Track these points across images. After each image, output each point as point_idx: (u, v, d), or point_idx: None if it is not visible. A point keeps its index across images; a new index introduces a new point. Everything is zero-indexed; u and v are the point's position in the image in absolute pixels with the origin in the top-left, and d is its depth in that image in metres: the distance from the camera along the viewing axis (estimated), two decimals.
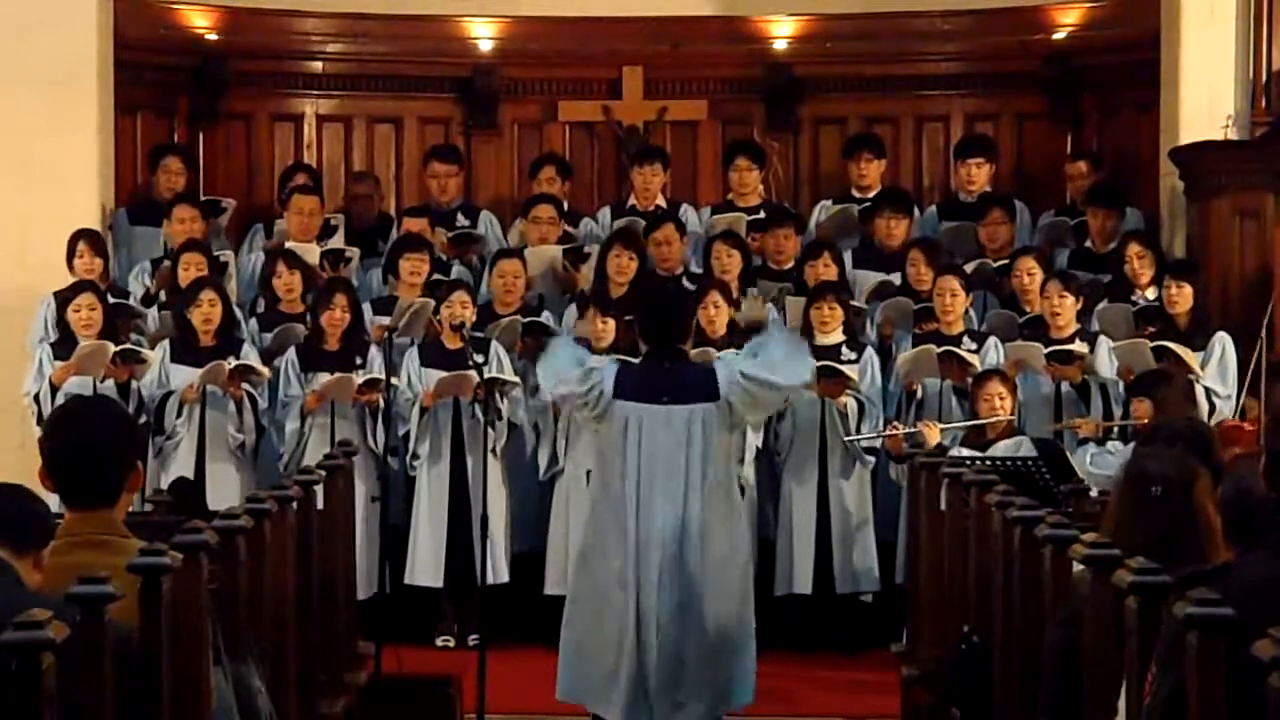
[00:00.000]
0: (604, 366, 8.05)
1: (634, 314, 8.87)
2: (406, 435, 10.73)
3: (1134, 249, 11.05)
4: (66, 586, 4.39)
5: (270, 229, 12.15)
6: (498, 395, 10.55)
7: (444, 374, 10.66)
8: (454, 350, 10.61)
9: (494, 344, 10.80)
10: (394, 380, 10.42)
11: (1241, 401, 10.24)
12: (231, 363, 10.55)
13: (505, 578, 10.68)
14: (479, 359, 10.41)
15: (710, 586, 7.82)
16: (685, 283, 11.22)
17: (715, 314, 10.64)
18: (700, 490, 7.83)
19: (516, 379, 10.68)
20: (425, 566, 10.72)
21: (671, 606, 7.77)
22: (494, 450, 10.51)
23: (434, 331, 10.93)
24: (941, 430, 10.13)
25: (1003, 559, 6.66)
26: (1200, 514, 5.23)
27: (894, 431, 10.35)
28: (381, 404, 10.55)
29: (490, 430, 10.37)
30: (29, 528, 4.55)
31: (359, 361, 10.75)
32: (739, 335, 10.75)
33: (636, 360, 8.41)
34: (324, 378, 10.65)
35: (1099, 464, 9.80)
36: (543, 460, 10.69)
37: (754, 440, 10.44)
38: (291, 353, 10.79)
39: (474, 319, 10.81)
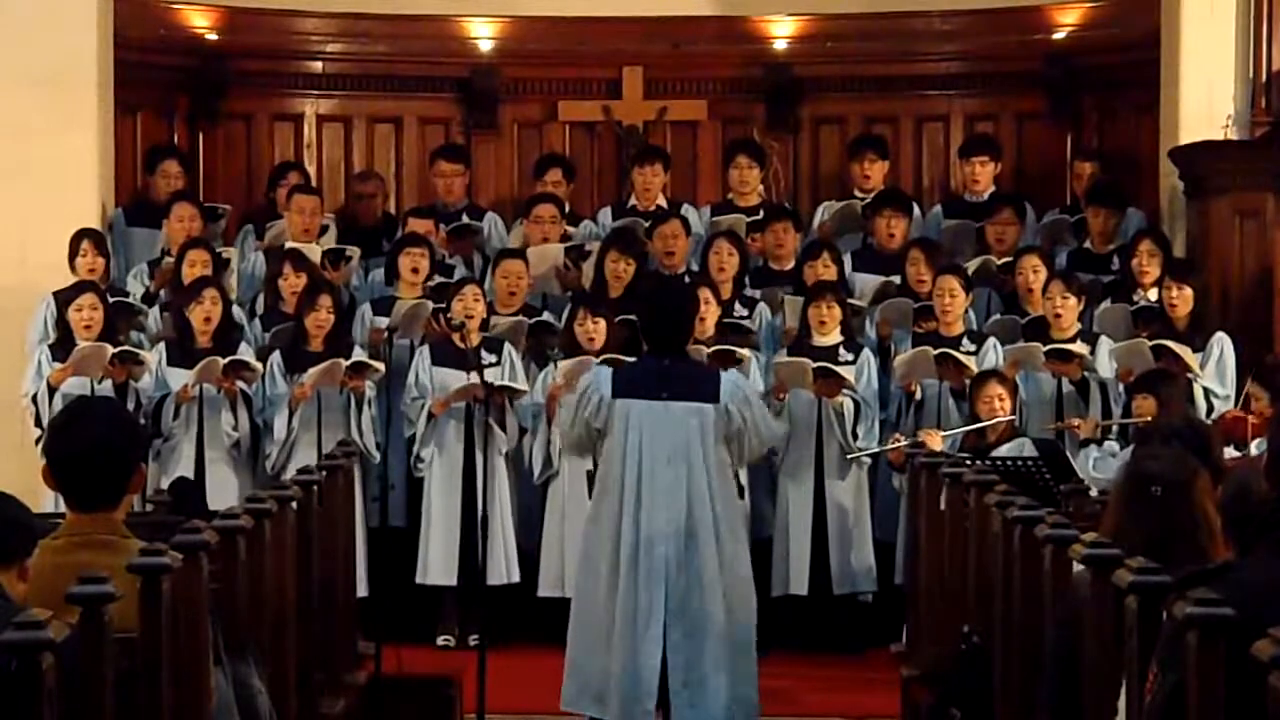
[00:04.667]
0: (595, 378, 8.08)
1: (636, 312, 8.88)
2: (412, 438, 10.73)
3: (1145, 246, 11.03)
4: (67, 586, 4.40)
5: (260, 229, 12.14)
6: (508, 402, 10.55)
7: (454, 371, 10.63)
8: (465, 349, 10.54)
9: (507, 346, 10.78)
10: (377, 364, 10.40)
11: (1245, 390, 10.22)
12: (225, 358, 10.54)
13: (516, 577, 10.68)
14: (492, 359, 10.43)
15: (714, 587, 7.83)
16: (687, 279, 11.21)
17: (704, 311, 10.62)
18: (702, 487, 7.85)
19: (525, 386, 10.67)
20: (438, 566, 10.70)
21: (674, 606, 7.78)
22: (502, 452, 10.57)
23: (434, 331, 10.91)
24: (943, 437, 10.11)
25: (1003, 559, 6.66)
26: (1200, 514, 5.24)
27: (896, 444, 10.31)
28: (370, 392, 10.55)
29: (502, 432, 10.43)
30: (12, 537, 4.54)
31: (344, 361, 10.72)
32: (728, 335, 10.79)
33: (632, 360, 8.43)
34: None
35: (1101, 468, 9.80)
36: (537, 463, 10.68)
37: None
38: (277, 354, 10.78)
39: (484, 314, 10.80)
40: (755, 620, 8.01)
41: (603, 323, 10.58)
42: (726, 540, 7.92)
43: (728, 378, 8.18)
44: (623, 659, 7.82)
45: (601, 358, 10.12)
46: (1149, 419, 9.40)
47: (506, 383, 10.56)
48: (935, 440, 10.00)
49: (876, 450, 10.60)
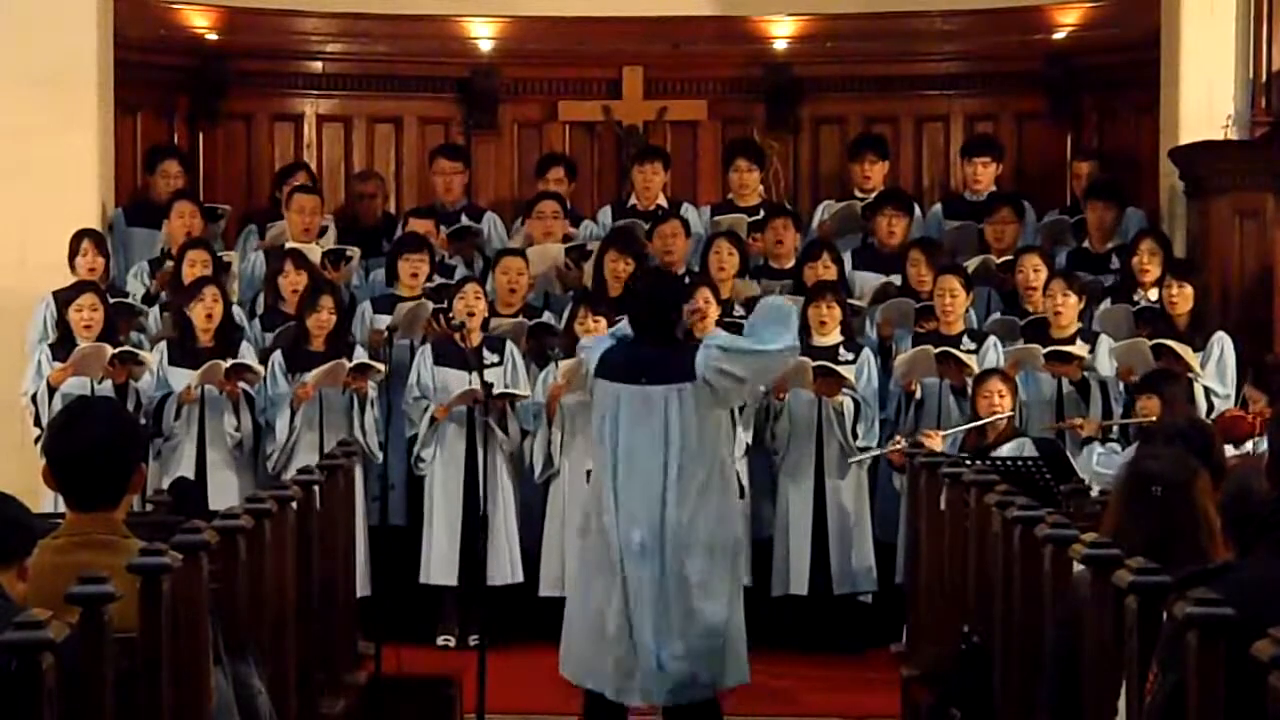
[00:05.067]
0: (592, 347, 8.13)
1: (627, 303, 8.88)
2: (413, 438, 10.74)
3: (1146, 245, 11.05)
4: (67, 586, 4.40)
5: (263, 230, 12.14)
6: (509, 406, 10.56)
7: (456, 371, 10.62)
8: (465, 348, 10.51)
9: (509, 345, 10.78)
10: (379, 365, 10.41)
11: (1243, 392, 10.24)
12: (228, 361, 10.54)
13: (520, 577, 10.69)
14: (494, 358, 10.42)
15: (693, 565, 7.84)
16: (687, 279, 11.19)
17: (705, 310, 10.60)
18: (680, 469, 7.85)
19: (526, 391, 10.67)
20: (441, 565, 10.70)
21: (652, 588, 7.80)
22: (504, 451, 10.59)
23: (434, 332, 10.91)
24: (943, 437, 10.11)
25: (1003, 559, 6.66)
26: (1200, 514, 5.23)
27: (897, 446, 10.30)
28: (372, 393, 10.54)
29: (504, 434, 10.49)
30: (11, 537, 4.53)
31: (347, 362, 10.71)
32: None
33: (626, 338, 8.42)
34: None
35: (1105, 464, 9.78)
36: (537, 463, 10.68)
37: (744, 437, 10.46)
38: (279, 354, 10.77)
39: (486, 313, 10.80)
40: (740, 601, 8.02)
41: (604, 321, 10.56)
42: (709, 521, 7.91)
43: (703, 347, 8.06)
44: (618, 645, 7.84)
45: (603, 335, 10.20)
46: (1153, 419, 9.41)
47: (506, 389, 10.56)
48: (935, 441, 10.00)
49: (876, 453, 10.60)
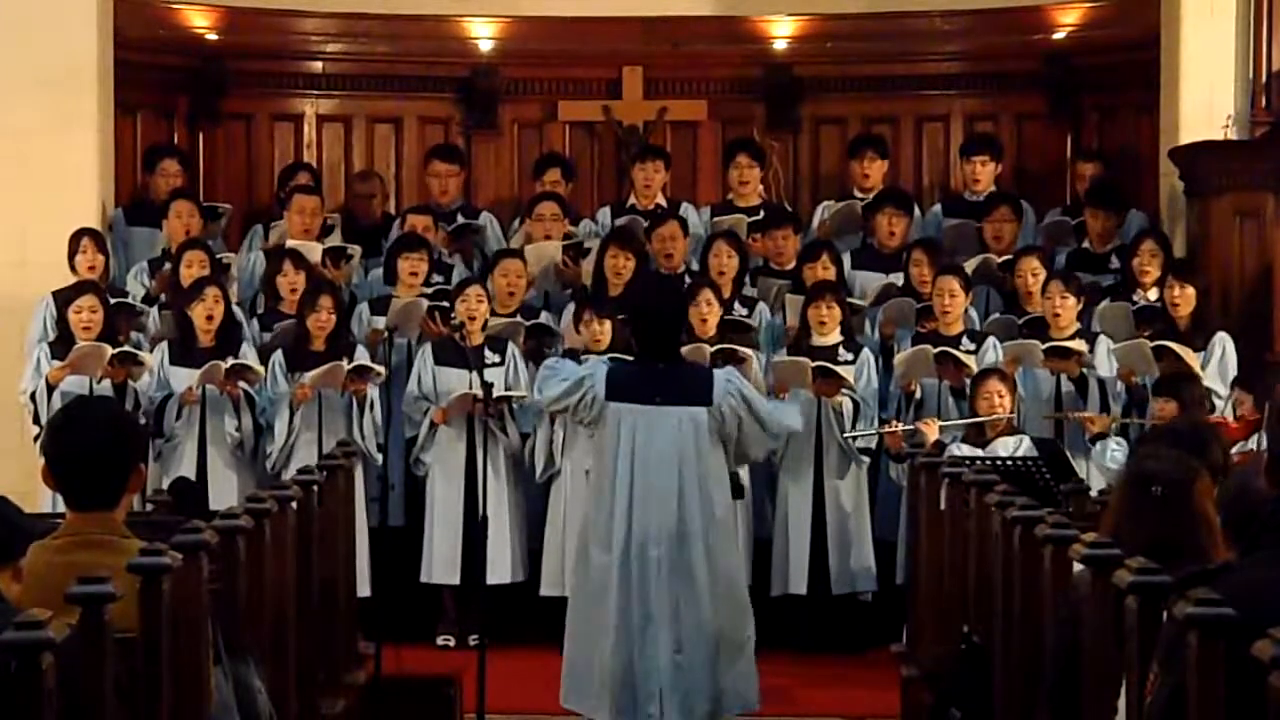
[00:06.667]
0: (595, 372, 8.02)
1: (627, 316, 8.83)
2: (413, 439, 10.73)
3: (1147, 246, 11.06)
4: (66, 586, 4.39)
5: (269, 230, 12.13)
6: (507, 410, 10.56)
7: (457, 371, 10.62)
8: (468, 349, 10.49)
9: (510, 345, 10.77)
10: (378, 368, 10.41)
11: (1232, 396, 10.23)
12: (228, 362, 10.54)
13: (514, 577, 10.68)
14: (495, 358, 10.41)
15: (706, 589, 7.81)
16: (687, 279, 11.20)
17: (707, 311, 10.64)
18: (694, 491, 7.82)
19: (524, 392, 10.66)
20: (442, 565, 10.70)
21: (666, 609, 7.76)
22: (505, 451, 10.59)
23: (431, 330, 10.91)
24: (941, 428, 10.12)
25: (1003, 559, 6.66)
26: (1200, 514, 5.23)
27: (892, 429, 10.34)
28: (373, 396, 10.54)
29: (504, 436, 10.51)
30: (5, 538, 4.53)
31: (346, 363, 10.71)
32: (729, 334, 10.78)
33: (631, 358, 8.38)
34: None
35: (1118, 460, 9.75)
36: (539, 462, 10.68)
37: None
38: (279, 353, 10.77)
39: (487, 315, 10.80)
40: (750, 621, 7.98)
41: (608, 323, 10.57)
42: (717, 544, 7.89)
43: (720, 377, 8.07)
44: (623, 662, 7.80)
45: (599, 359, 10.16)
46: (1170, 421, 9.39)
47: (507, 389, 10.56)
48: (931, 429, 10.03)
49: (871, 433, 10.60)
